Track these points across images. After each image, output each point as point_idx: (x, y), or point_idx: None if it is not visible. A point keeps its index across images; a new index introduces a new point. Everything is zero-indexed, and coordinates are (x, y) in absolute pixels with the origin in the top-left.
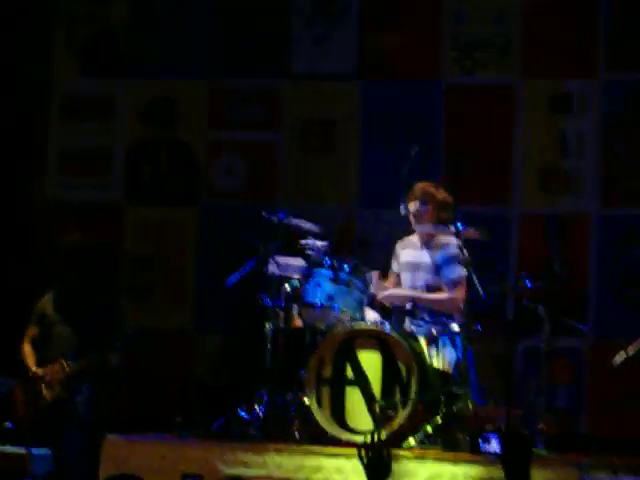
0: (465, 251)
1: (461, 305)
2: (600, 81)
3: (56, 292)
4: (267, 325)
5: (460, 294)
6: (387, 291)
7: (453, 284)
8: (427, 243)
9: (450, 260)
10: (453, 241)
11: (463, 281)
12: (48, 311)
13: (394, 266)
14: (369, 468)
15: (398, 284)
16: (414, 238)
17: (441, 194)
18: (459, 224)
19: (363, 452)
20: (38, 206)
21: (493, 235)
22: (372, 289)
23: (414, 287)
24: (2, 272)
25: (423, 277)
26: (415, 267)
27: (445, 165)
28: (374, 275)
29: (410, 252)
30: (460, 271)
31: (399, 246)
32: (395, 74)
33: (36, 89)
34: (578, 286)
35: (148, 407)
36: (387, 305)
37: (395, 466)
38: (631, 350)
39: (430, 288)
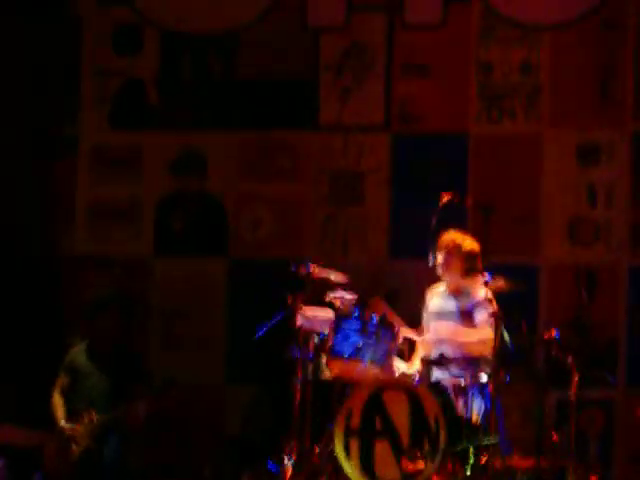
0: (494, 302)
1: (489, 352)
2: (628, 131)
3: (88, 343)
4: (296, 377)
5: (488, 339)
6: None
7: (480, 328)
8: (454, 292)
9: (479, 304)
10: (481, 290)
11: (490, 328)
12: (79, 361)
13: (424, 316)
14: None
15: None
16: (442, 287)
17: (468, 244)
18: (487, 275)
19: None
20: (67, 259)
21: (522, 285)
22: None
23: (439, 335)
24: (32, 325)
25: (448, 324)
26: (442, 315)
27: (473, 215)
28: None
29: (437, 301)
30: (487, 318)
31: (428, 295)
32: (423, 124)
33: (65, 141)
34: (608, 336)
35: (178, 458)
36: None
37: None
38: None
39: (456, 336)
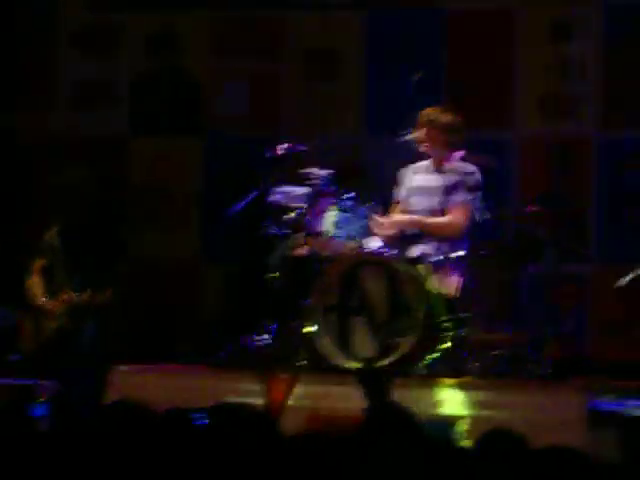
0: (472, 176)
1: (464, 230)
2: (600, 4)
3: (62, 224)
4: (272, 254)
5: (463, 218)
6: (388, 220)
7: (457, 208)
8: (438, 167)
9: (457, 184)
10: (461, 166)
11: (467, 206)
12: (55, 243)
13: (399, 193)
14: (367, 393)
15: (403, 211)
16: (426, 162)
17: (447, 117)
18: (462, 150)
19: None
20: (45, 140)
21: (496, 160)
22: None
23: (423, 210)
24: (8, 206)
25: (432, 200)
26: (425, 190)
27: (447, 91)
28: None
29: (421, 176)
30: (465, 196)
31: (408, 171)
32: (399, 1)
33: (42, 24)
34: (581, 210)
35: (154, 338)
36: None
37: (403, 393)
38: (634, 272)
39: (439, 212)
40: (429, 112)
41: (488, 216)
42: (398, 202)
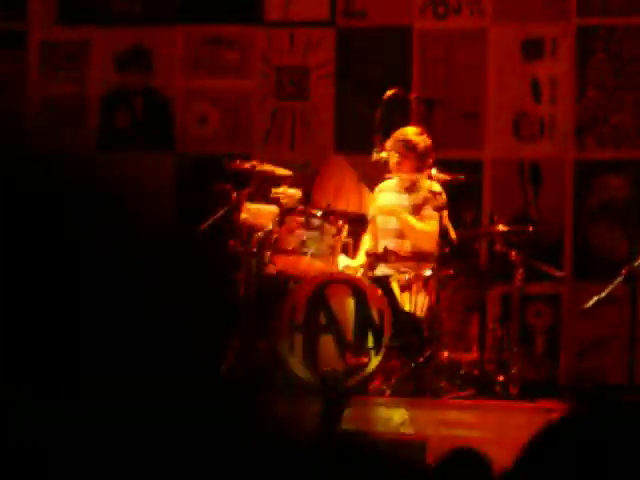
0: (440, 196)
1: (435, 244)
2: (573, 25)
3: None
4: (239, 272)
5: (436, 230)
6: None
7: (430, 220)
8: (407, 187)
9: (427, 200)
10: (430, 184)
11: (437, 218)
12: None
13: (371, 212)
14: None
15: (374, 231)
16: (393, 181)
17: (423, 140)
18: (433, 169)
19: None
20: None
21: (465, 179)
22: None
23: (390, 230)
24: None
25: (398, 220)
26: (391, 210)
27: (417, 109)
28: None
29: (388, 195)
30: (433, 215)
31: (376, 190)
32: (369, 20)
33: (13, 39)
34: (553, 231)
35: None
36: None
37: (369, 412)
38: (604, 293)
39: (404, 232)
40: (403, 134)
41: (456, 235)
42: (369, 221)
